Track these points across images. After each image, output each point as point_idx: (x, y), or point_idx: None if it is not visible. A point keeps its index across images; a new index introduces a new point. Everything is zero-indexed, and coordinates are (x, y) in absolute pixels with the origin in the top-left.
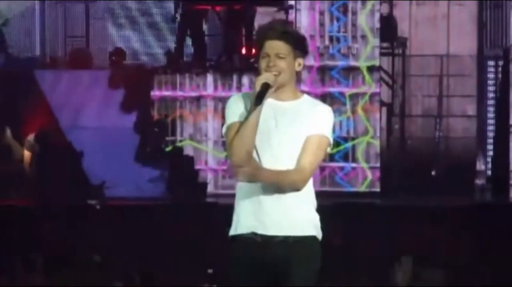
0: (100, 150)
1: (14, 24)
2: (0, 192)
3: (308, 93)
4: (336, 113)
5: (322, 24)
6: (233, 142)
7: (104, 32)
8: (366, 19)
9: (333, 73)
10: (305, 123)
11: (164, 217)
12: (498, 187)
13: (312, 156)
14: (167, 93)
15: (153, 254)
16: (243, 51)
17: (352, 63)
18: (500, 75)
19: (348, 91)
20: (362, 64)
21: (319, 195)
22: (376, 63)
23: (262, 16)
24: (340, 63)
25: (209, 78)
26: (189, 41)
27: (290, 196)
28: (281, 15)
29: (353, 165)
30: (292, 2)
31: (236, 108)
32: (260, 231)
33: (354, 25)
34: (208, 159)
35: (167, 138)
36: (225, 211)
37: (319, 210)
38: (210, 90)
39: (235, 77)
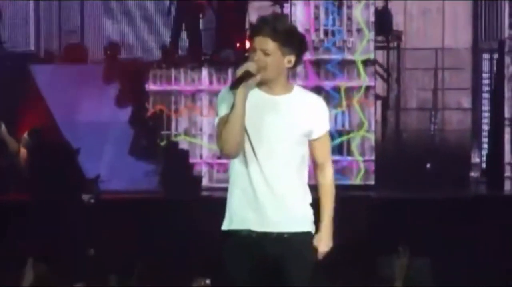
0: (95, 144)
1: (8, 18)
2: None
3: (304, 87)
4: (331, 106)
5: (317, 18)
6: (222, 133)
7: (99, 27)
8: (361, 13)
9: (328, 66)
10: (301, 117)
11: (158, 211)
12: (493, 180)
13: (330, 157)
14: (162, 87)
15: (148, 247)
16: (238, 44)
17: (347, 56)
18: (495, 68)
19: (343, 84)
20: (357, 57)
21: (313, 188)
22: (371, 56)
23: (257, 10)
24: (335, 56)
25: (204, 72)
26: (184, 35)
27: (285, 192)
28: (276, 9)
29: (348, 158)
30: None
31: (226, 101)
32: (256, 227)
33: (349, 18)
34: (203, 153)
35: (162, 132)
36: (220, 205)
37: (313, 204)
38: (205, 84)
39: (230, 71)
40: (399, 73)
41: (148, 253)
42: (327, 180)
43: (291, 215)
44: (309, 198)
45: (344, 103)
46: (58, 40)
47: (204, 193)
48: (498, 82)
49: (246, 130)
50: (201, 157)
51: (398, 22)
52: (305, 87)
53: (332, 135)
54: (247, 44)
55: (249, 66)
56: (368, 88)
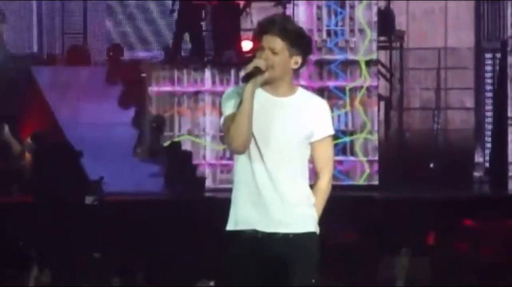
0: (98, 146)
1: (11, 20)
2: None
3: (306, 88)
4: (334, 107)
5: (319, 18)
6: (230, 130)
7: (101, 28)
8: (363, 13)
9: (331, 67)
10: (305, 119)
11: (162, 212)
12: (496, 179)
13: (332, 159)
14: (165, 88)
15: (152, 249)
16: (240, 45)
17: (350, 56)
18: (497, 68)
19: (346, 84)
20: (360, 57)
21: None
22: (374, 56)
23: (260, 11)
24: (338, 57)
25: (207, 73)
26: (186, 36)
27: (289, 192)
28: (278, 9)
29: (352, 158)
30: None
31: (232, 100)
32: (261, 228)
33: (351, 18)
34: (206, 153)
35: (165, 133)
36: (224, 206)
37: None
38: (208, 85)
39: (232, 72)
40: (402, 73)
41: (152, 255)
42: (323, 186)
43: (295, 216)
44: (312, 199)
45: (347, 103)
46: (61, 42)
47: (208, 194)
48: (501, 82)
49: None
50: (204, 158)
51: (400, 22)
52: (308, 87)
53: (336, 135)
54: (249, 45)
55: (259, 62)
56: (371, 88)
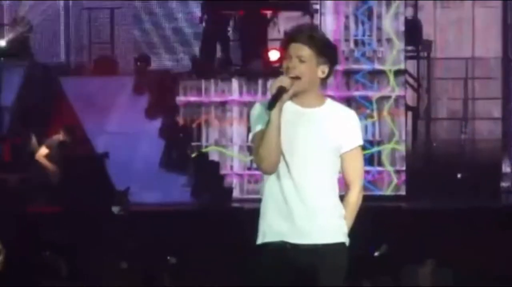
0: (126, 156)
1: (39, 30)
2: (27, 199)
3: (333, 98)
4: (361, 117)
5: (347, 28)
6: (259, 150)
7: (129, 38)
8: (391, 22)
9: (359, 77)
10: (333, 131)
11: (189, 223)
12: None
13: (362, 171)
14: (192, 98)
15: (179, 259)
16: (268, 55)
17: (378, 66)
18: None
19: (373, 94)
20: (388, 67)
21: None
22: (402, 66)
23: (287, 21)
24: (366, 66)
25: (234, 83)
26: (214, 46)
27: (317, 204)
28: (306, 19)
29: (379, 168)
30: (317, 6)
31: (260, 116)
32: (290, 239)
33: (379, 28)
34: (234, 164)
35: (192, 144)
36: (251, 216)
37: None
38: (235, 95)
39: (260, 82)
40: (429, 83)
41: (179, 265)
42: (353, 199)
43: (324, 227)
44: (341, 210)
45: (374, 113)
46: (88, 52)
47: (235, 204)
48: None
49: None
50: (231, 168)
51: (428, 31)
52: (335, 97)
53: (363, 145)
54: (277, 54)
55: (282, 81)
56: (398, 98)
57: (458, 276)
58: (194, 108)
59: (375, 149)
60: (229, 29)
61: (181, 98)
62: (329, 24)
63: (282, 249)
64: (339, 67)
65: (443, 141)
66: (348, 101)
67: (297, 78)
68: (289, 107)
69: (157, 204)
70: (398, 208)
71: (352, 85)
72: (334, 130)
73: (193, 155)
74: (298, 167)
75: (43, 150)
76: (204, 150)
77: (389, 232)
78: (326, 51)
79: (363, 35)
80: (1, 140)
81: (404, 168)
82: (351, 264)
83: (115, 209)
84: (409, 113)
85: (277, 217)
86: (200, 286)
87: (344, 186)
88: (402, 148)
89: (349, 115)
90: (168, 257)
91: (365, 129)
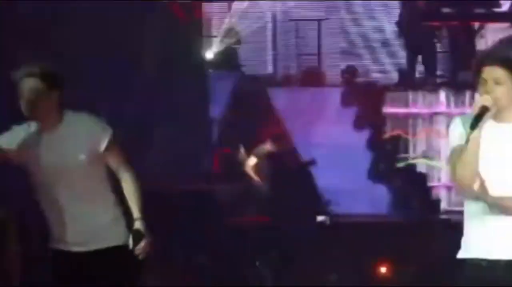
0: (332, 167)
1: (247, 43)
2: (235, 209)
3: None
4: None
5: None
6: (456, 166)
7: (336, 49)
8: None
9: None
10: None
11: (396, 234)
12: None
13: None
14: (399, 110)
15: (385, 271)
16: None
17: None
18: None
19: None
20: None
21: None
22: None
23: (495, 32)
24: None
25: (442, 94)
26: (421, 58)
27: None
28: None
29: None
30: None
31: (458, 131)
32: (485, 255)
33: None
34: (441, 175)
35: (399, 155)
36: (458, 228)
37: None
38: (443, 107)
39: (467, 94)
40: None
41: (381, 276)
42: None
43: None
44: None
45: None
46: (295, 64)
47: (443, 216)
48: None
49: None
50: (439, 180)
51: None
52: None
53: None
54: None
55: (485, 100)
56: None
57: None
58: (401, 119)
59: None
60: (436, 40)
61: (388, 110)
62: None
63: (478, 265)
64: None
65: None
66: None
67: (496, 100)
68: (487, 124)
69: (363, 215)
70: None
71: None
72: None
73: (401, 166)
74: (497, 182)
75: (252, 161)
76: (411, 161)
77: None
78: None
79: None
80: (210, 151)
81: None
82: None
83: (321, 218)
84: None
85: (474, 231)
86: None
87: None
88: None
89: None
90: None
91: None
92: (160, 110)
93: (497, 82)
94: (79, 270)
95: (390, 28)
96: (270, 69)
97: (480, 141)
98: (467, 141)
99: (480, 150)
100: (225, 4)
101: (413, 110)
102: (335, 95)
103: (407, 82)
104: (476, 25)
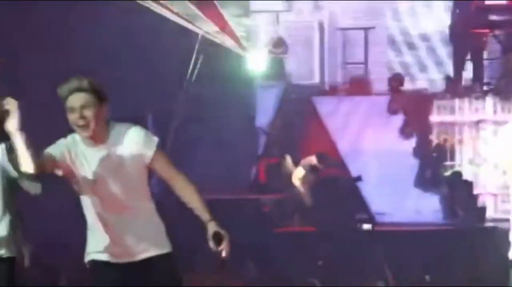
0: (378, 174)
1: (293, 52)
2: (280, 219)
3: None
4: None
5: None
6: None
7: (382, 58)
8: None
9: None
10: None
11: (443, 242)
12: None
13: None
14: (446, 117)
15: (432, 278)
16: None
17: None
18: None
19: None
20: None
21: None
22: None
23: None
24: None
25: (488, 102)
26: (467, 65)
27: None
28: None
29: None
30: None
31: (504, 140)
32: None
33: None
34: (487, 183)
35: (446, 163)
36: (504, 236)
37: None
38: (489, 114)
39: None
40: None
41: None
42: None
43: None
44: None
45: None
46: (342, 73)
47: (489, 224)
48: None
49: None
50: (485, 187)
51: None
52: None
53: None
54: None
55: None
56: None
57: None
58: (448, 127)
59: None
60: (483, 47)
61: (435, 118)
62: None
63: None
64: None
65: None
66: None
67: None
68: None
69: (410, 223)
70: None
71: None
72: None
73: (447, 174)
74: None
75: (299, 172)
76: (458, 169)
77: None
78: None
79: None
80: (257, 161)
81: None
82: None
83: (364, 226)
84: None
85: None
86: None
87: None
88: None
89: None
90: (426, 276)
91: None
92: (208, 120)
93: None
94: (123, 281)
95: (436, 36)
96: (316, 78)
97: None
98: None
99: None
100: (273, 15)
101: (459, 117)
102: (381, 103)
103: (453, 89)
104: None
